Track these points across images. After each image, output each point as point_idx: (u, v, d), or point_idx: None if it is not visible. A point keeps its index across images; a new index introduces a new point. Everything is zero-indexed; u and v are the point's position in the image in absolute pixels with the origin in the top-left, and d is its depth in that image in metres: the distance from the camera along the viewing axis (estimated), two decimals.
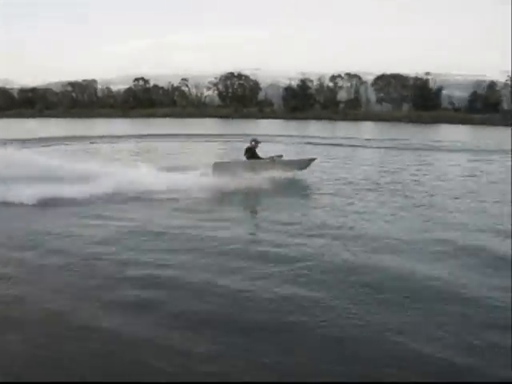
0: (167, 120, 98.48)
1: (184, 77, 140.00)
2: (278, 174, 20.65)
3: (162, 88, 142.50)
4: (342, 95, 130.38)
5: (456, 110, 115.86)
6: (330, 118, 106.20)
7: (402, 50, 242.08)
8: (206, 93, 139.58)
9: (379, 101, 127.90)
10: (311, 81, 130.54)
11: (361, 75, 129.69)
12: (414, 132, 67.25)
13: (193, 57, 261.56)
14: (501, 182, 23.61)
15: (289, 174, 21.45)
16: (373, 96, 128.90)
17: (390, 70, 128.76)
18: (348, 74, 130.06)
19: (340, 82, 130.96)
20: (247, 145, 21.96)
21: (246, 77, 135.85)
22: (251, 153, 21.43)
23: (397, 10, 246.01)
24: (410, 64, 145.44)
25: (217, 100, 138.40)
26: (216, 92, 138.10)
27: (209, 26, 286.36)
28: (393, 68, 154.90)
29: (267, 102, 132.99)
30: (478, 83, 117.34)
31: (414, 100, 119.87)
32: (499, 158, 35.55)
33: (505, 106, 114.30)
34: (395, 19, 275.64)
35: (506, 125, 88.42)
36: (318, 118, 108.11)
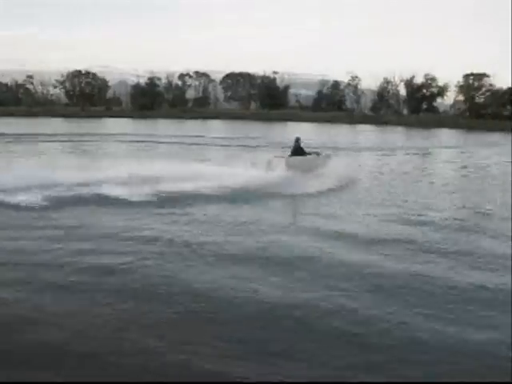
0: (11, 119, 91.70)
1: (29, 73, 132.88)
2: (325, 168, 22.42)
3: (6, 85, 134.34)
4: (190, 93, 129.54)
5: (302, 108, 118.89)
6: (179, 117, 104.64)
7: (250, 49, 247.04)
8: (53, 91, 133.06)
9: (227, 99, 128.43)
10: (159, 79, 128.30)
11: (209, 73, 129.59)
12: (262, 130, 67.55)
13: (39, 53, 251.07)
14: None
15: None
16: (221, 94, 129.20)
17: (239, 69, 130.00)
18: (196, 73, 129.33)
19: (188, 81, 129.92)
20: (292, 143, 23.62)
21: (94, 74, 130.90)
22: (299, 150, 23.04)
23: (246, 9, 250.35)
24: (258, 63, 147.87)
25: (64, 98, 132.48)
26: (63, 90, 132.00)
27: (57, 24, 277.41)
28: (241, 67, 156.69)
29: (115, 101, 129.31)
30: (323, 82, 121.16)
31: (262, 98, 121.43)
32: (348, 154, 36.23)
33: (348, 104, 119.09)
34: (244, 19, 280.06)
35: (349, 123, 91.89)
36: (167, 116, 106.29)
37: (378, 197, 19.14)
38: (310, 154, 23.35)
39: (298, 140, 23.33)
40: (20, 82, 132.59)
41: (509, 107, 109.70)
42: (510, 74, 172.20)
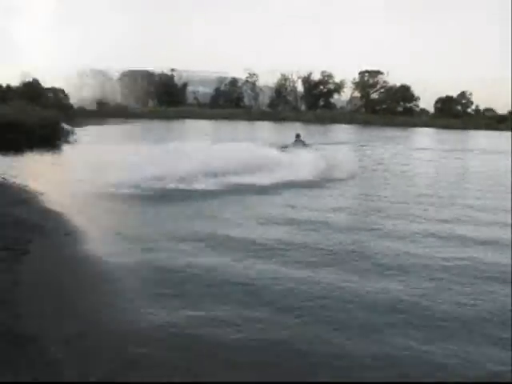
0: None
1: None
2: None
3: None
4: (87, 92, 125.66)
5: (200, 105, 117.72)
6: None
7: (148, 47, 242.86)
8: None
9: (125, 97, 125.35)
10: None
11: (106, 71, 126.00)
12: (160, 127, 66.06)
13: None
14: None
15: None
16: (118, 92, 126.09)
17: (137, 67, 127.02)
18: (92, 70, 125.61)
19: (85, 79, 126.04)
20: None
21: None
22: (302, 143, 27.41)
23: (140, 8, 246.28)
24: (155, 60, 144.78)
25: None
26: None
27: None
28: (139, 64, 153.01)
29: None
30: (221, 80, 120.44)
31: (160, 96, 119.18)
32: None
33: (246, 101, 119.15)
34: (141, 16, 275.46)
35: (247, 119, 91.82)
36: None
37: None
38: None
39: (299, 136, 27.88)
40: None
41: (402, 103, 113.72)
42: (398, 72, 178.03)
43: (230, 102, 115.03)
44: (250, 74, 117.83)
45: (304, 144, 27.20)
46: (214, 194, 16.87)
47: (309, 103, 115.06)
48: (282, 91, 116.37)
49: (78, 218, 13.40)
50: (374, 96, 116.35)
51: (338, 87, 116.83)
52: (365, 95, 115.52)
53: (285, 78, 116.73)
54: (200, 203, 15.65)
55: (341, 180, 20.82)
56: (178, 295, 8.12)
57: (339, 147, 39.69)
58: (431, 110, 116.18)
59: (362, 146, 43.69)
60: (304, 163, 21.00)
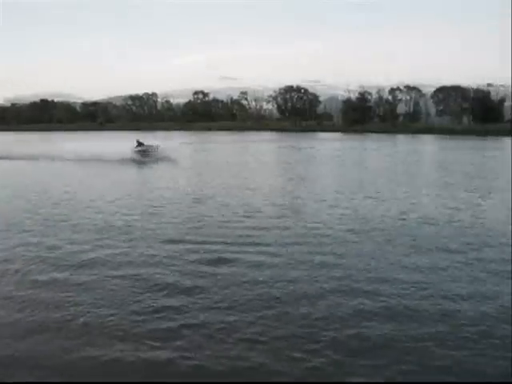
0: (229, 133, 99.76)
1: (243, 90, 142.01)
2: None
3: (222, 101, 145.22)
4: (401, 108, 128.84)
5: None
6: (388, 131, 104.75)
7: (461, 62, 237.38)
8: (266, 106, 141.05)
9: (439, 113, 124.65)
10: (370, 94, 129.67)
11: (420, 88, 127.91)
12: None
13: (251, 71, 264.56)
14: None
15: None
16: (432, 109, 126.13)
17: (450, 82, 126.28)
18: (407, 87, 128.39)
19: (399, 95, 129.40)
20: None
21: (305, 90, 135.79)
22: None
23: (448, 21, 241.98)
24: (469, 75, 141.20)
25: (275, 113, 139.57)
26: (275, 105, 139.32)
27: (267, 41, 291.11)
28: (452, 80, 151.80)
29: (326, 115, 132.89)
30: None
31: (475, 112, 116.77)
32: None
33: None
34: (450, 30, 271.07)
35: None
36: (377, 130, 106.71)
37: None
38: None
39: None
40: (235, 97, 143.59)
41: None
42: None
43: None
44: None
45: None
46: None
47: None
48: None
49: None
50: None
51: None
52: None
53: None
54: None
55: None
56: None
57: None
58: None
59: None
60: None
